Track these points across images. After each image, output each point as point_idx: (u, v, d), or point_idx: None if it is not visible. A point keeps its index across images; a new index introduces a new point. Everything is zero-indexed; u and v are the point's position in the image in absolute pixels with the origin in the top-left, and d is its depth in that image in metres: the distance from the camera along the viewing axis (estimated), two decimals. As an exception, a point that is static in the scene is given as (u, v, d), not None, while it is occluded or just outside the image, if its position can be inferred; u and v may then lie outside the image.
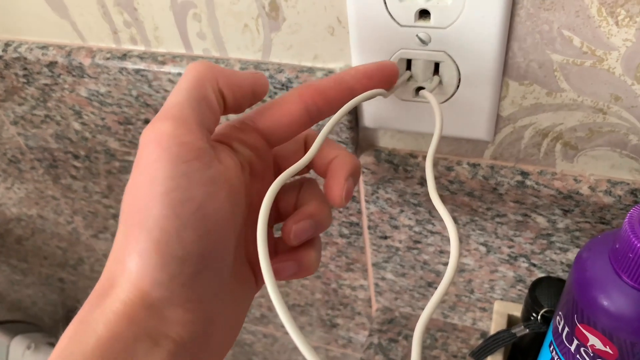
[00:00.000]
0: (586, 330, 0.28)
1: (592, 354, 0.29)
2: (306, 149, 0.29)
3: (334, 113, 0.27)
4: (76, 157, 0.53)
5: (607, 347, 0.28)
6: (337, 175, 0.26)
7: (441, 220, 0.42)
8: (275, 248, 0.28)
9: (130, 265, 0.20)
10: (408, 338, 0.52)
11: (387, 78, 0.28)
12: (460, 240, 0.43)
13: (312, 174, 0.30)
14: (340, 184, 0.26)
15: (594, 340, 0.28)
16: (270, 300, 0.63)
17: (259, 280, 0.27)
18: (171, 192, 0.20)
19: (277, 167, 0.28)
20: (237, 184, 0.24)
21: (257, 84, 0.26)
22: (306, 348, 0.19)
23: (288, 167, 0.27)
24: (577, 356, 0.30)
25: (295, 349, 0.71)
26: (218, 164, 0.22)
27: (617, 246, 0.26)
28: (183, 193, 0.20)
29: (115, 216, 0.60)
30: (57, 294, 0.90)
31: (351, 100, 0.30)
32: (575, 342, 0.29)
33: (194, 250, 0.21)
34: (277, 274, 0.26)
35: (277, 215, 0.29)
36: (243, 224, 0.25)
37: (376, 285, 0.52)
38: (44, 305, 0.96)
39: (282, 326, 0.67)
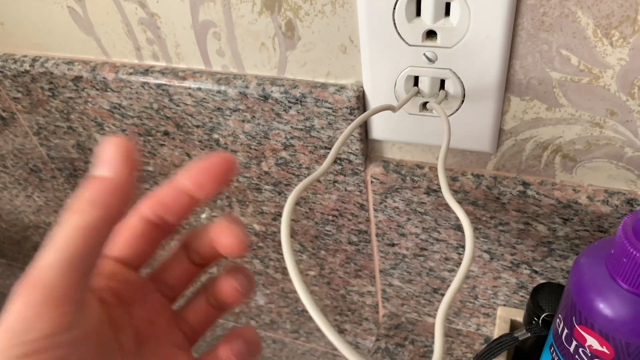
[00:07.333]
0: (584, 332, 0.30)
1: (589, 354, 0.30)
2: (187, 252, 0.28)
3: (179, 218, 0.26)
4: (96, 166, 0.56)
5: (604, 347, 0.29)
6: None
7: (447, 228, 0.43)
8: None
9: None
10: (414, 343, 0.53)
11: (222, 168, 0.25)
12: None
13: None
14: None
15: (591, 341, 0.30)
16: (279, 306, 0.65)
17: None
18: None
19: (163, 282, 0.27)
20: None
21: None
22: (344, 346, 0.20)
23: (176, 280, 0.27)
24: (576, 356, 0.31)
25: (304, 354, 0.73)
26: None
27: (612, 252, 0.28)
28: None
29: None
30: (70, 301, 0.92)
31: (361, 115, 0.32)
32: (574, 343, 0.31)
33: None
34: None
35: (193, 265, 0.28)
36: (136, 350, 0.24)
37: (383, 291, 0.54)
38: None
39: (291, 332, 0.69)
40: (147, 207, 0.25)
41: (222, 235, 0.26)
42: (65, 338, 0.20)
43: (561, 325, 0.32)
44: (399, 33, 0.33)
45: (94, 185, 0.21)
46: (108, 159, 0.22)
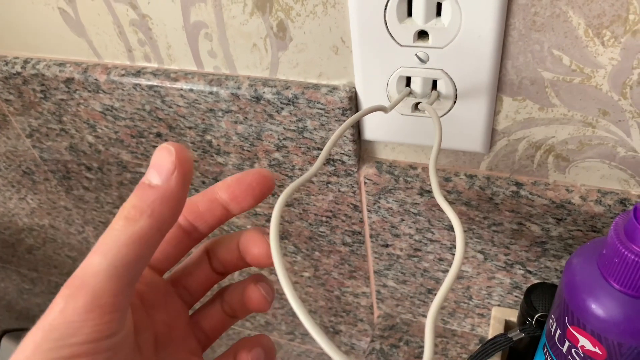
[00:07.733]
0: (576, 332, 0.30)
1: (582, 355, 0.30)
2: (210, 259, 0.28)
3: (211, 228, 0.26)
4: (89, 168, 0.55)
5: (596, 347, 0.29)
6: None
7: (440, 228, 0.43)
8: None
9: None
10: (409, 343, 0.53)
11: (259, 184, 0.25)
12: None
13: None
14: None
15: (584, 342, 0.30)
16: (274, 307, 0.65)
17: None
18: None
19: (183, 287, 0.28)
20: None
21: None
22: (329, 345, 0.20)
23: (197, 286, 0.28)
24: (569, 357, 0.31)
25: (300, 355, 0.73)
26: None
27: (604, 252, 0.28)
28: None
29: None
30: (64, 303, 0.91)
31: (352, 116, 0.32)
32: (567, 343, 0.31)
33: None
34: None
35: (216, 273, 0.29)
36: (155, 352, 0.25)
37: (378, 292, 0.54)
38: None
39: (287, 333, 0.69)
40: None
41: (253, 246, 0.26)
42: (107, 344, 0.20)
43: (554, 326, 0.32)
44: (390, 33, 0.33)
45: (146, 193, 0.21)
46: (162, 166, 0.21)
